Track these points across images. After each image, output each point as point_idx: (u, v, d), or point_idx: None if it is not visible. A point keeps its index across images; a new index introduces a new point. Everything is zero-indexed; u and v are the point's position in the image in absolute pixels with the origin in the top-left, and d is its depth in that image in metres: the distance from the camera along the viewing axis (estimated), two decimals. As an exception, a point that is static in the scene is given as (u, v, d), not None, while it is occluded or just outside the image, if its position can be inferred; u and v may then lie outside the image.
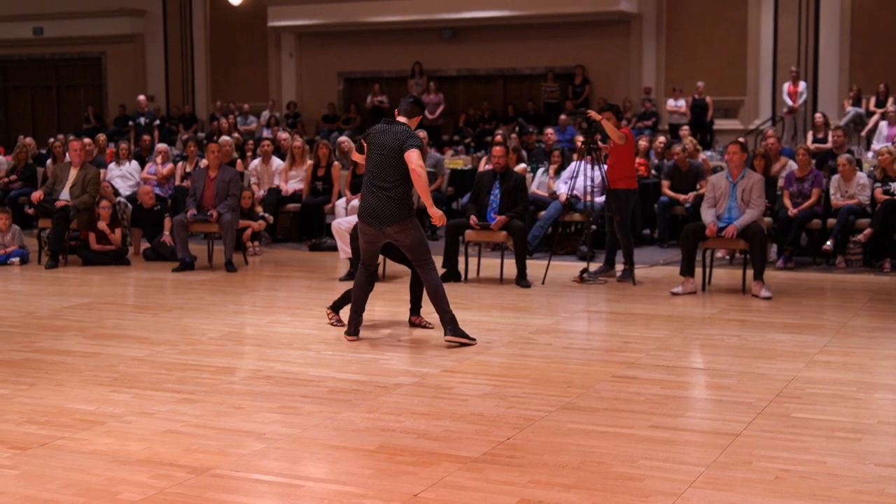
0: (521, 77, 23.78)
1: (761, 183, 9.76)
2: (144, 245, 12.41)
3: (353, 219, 10.62)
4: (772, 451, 5.20)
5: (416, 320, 8.25)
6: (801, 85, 20.55)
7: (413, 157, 7.42)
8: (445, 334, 7.61)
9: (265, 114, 23.46)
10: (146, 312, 9.04)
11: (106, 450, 5.29)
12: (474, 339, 7.65)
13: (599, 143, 10.55)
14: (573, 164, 11.46)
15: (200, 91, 26.04)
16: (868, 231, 10.97)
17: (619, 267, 10.66)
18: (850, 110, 19.73)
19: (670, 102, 21.28)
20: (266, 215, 13.10)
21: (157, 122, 21.85)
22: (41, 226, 11.97)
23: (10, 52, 27.47)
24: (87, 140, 15.16)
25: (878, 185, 11.47)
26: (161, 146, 14.93)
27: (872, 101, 19.71)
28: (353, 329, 7.80)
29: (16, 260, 11.76)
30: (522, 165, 13.39)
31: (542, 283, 10.38)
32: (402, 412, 5.95)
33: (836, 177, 11.64)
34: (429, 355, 7.41)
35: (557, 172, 12.79)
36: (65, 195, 11.76)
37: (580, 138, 11.43)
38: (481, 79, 24.13)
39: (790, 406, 6.03)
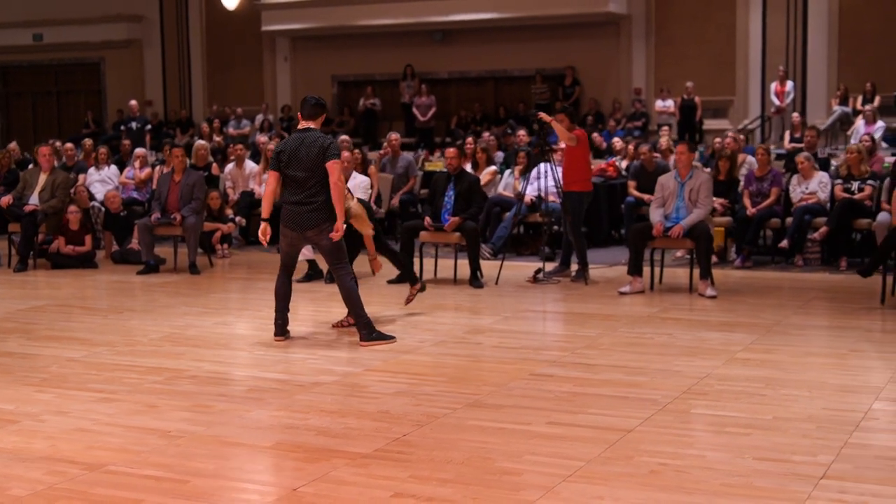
0: (511, 79, 23.90)
1: (709, 183, 9.85)
2: (115, 248, 12.57)
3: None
4: (657, 447, 5.30)
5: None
6: (789, 84, 20.60)
7: (335, 170, 7.56)
8: (360, 340, 7.73)
9: (259, 117, 23.63)
10: (97, 315, 9.21)
11: (11, 448, 5.43)
12: (393, 337, 7.83)
13: (552, 144, 10.65)
14: (540, 166, 11.55)
15: (197, 95, 26.27)
16: (823, 230, 11.03)
17: (575, 267, 10.74)
18: (837, 109, 19.78)
19: (658, 103, 21.36)
20: (238, 218, 13.25)
21: (150, 126, 22.04)
22: (10, 230, 12.14)
23: (10, 59, 27.76)
24: (69, 145, 15.38)
25: (840, 182, 11.52)
26: (139, 150, 15.12)
27: (860, 99, 19.73)
28: (280, 330, 7.93)
29: (-15, 264, 11.95)
30: (493, 168, 13.50)
31: (496, 283, 10.48)
32: (311, 410, 6.07)
33: (795, 175, 11.70)
34: (359, 355, 7.54)
35: (523, 174, 12.89)
36: (34, 200, 11.93)
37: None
38: (472, 81, 24.26)
39: (693, 402, 6.13)
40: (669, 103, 21.09)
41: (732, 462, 5.06)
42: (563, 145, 10.83)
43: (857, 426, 5.60)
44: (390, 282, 10.40)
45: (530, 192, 12.00)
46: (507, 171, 13.29)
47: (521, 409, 6.04)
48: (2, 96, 28.39)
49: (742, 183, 11.86)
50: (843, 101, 19.92)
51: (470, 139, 14.38)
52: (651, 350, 7.55)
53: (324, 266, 10.69)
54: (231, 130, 23.06)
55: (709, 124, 21.45)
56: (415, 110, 22.82)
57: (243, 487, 4.83)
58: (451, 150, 10.71)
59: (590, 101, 22.55)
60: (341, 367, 7.15)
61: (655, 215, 9.85)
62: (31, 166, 15.36)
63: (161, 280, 11.12)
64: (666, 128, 17.88)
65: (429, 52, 23.79)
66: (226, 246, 12.79)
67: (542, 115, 10.44)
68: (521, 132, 15.20)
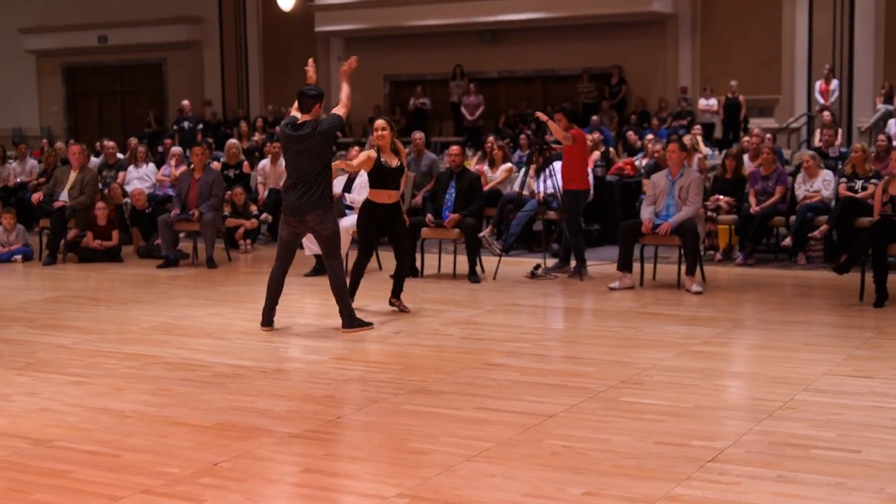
0: (559, 78, 24.10)
1: (699, 181, 10.04)
2: (142, 244, 13.10)
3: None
4: (569, 431, 5.58)
5: (395, 303, 8.97)
6: (834, 83, 20.51)
7: (339, 111, 8.27)
8: (343, 327, 8.11)
9: (315, 117, 24.09)
10: (102, 305, 9.70)
11: (-27, 424, 5.88)
12: (371, 324, 8.23)
13: (553, 144, 10.91)
14: (554, 164, 11.79)
15: (254, 95, 26.86)
16: (824, 227, 11.14)
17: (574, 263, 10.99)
18: (881, 108, 19.67)
19: (702, 102, 21.42)
20: (264, 215, 13.71)
21: (201, 126, 22.65)
22: (42, 226, 12.74)
23: (77, 60, 28.63)
24: (110, 143, 15.99)
25: (844, 180, 11.61)
26: (176, 149, 15.66)
27: (914, 96, 19.61)
28: (267, 320, 8.32)
29: (19, 257, 12.55)
30: (508, 165, 13.77)
31: (494, 278, 10.78)
32: (263, 394, 6.44)
33: (800, 174, 11.81)
34: (331, 344, 7.90)
35: (538, 172, 13.12)
36: (64, 196, 12.51)
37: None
38: (521, 80, 24.51)
39: (625, 391, 6.38)
40: (713, 102, 21.14)
41: (633, 445, 5.32)
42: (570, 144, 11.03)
43: (770, 415, 5.81)
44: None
45: (542, 190, 12.24)
46: (523, 170, 13.54)
47: (458, 396, 6.34)
48: (69, 96, 29.26)
49: (748, 181, 11.98)
50: (888, 100, 19.80)
51: (491, 138, 14.65)
52: (610, 342, 7.79)
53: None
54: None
55: (754, 123, 21.39)
56: (463, 109, 23.14)
57: (168, 462, 5.19)
58: (454, 148, 11.04)
59: (636, 99, 22.67)
60: (309, 356, 7.52)
61: (646, 212, 10.07)
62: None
63: (178, 273, 11.61)
64: (698, 127, 17.95)
65: (478, 51, 24.08)
66: (248, 241, 13.24)
67: (539, 114, 10.72)
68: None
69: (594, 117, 20.76)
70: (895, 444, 5.28)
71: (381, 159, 8.75)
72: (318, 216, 8.09)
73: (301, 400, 6.30)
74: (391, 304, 9.00)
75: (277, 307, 8.44)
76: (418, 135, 14.89)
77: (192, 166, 12.44)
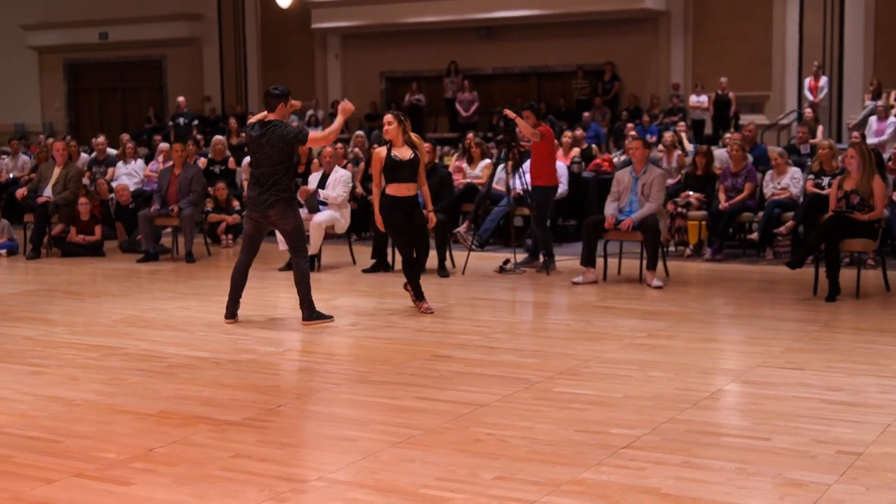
0: (553, 74, 24.28)
1: (662, 178, 10.23)
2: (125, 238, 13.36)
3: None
4: (497, 419, 5.78)
5: (420, 307, 8.92)
6: (823, 80, 20.64)
7: (317, 140, 8.64)
8: (303, 319, 8.33)
9: (309, 112, 24.37)
10: (76, 298, 9.95)
11: (-73, 411, 6.12)
12: (331, 317, 8.44)
13: (519, 141, 11.11)
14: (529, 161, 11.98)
15: (253, 91, 27.06)
16: (790, 223, 11.31)
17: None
18: (869, 104, 19.79)
19: (693, 98, 21.58)
20: (247, 211, 13.92)
21: (196, 122, 22.90)
22: (26, 220, 13.00)
23: (78, 56, 28.90)
24: (100, 139, 16.23)
25: (811, 177, 11.78)
26: (163, 145, 15.90)
27: (893, 95, 19.73)
28: (231, 312, 8.56)
29: (3, 251, 12.81)
30: (487, 162, 13.96)
31: (462, 272, 10.99)
32: (211, 384, 6.66)
33: (770, 171, 11.99)
34: (287, 336, 8.14)
35: (514, 168, 13.31)
36: (48, 192, 12.76)
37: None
38: (515, 76, 24.69)
39: (561, 382, 6.58)
40: (704, 98, 21.30)
41: (553, 433, 5.53)
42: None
43: (693, 404, 6.01)
44: (365, 271, 11.01)
45: (517, 186, 12.42)
46: (500, 166, 13.72)
47: (398, 386, 6.56)
48: (70, 92, 29.54)
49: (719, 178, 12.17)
50: (877, 96, 19.92)
51: (470, 134, 14.85)
52: (558, 335, 8.01)
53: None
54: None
55: (745, 119, 21.55)
56: (458, 106, 23.34)
57: (106, 448, 5.42)
58: (426, 145, 11.21)
59: (629, 96, 22.83)
60: (264, 347, 7.73)
61: (609, 208, 10.27)
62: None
63: (157, 268, 11.86)
64: (682, 124, 18.12)
65: (473, 48, 24.28)
66: (230, 236, 13.47)
67: (508, 111, 10.91)
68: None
69: (586, 114, 20.93)
70: (805, 433, 5.46)
71: (392, 153, 8.89)
72: (279, 212, 8.33)
73: (246, 389, 6.52)
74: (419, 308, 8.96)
75: (244, 300, 8.65)
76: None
77: (172, 162, 12.66)
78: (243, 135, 17.46)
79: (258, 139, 8.31)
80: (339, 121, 8.59)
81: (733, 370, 6.79)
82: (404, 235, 8.93)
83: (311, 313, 8.42)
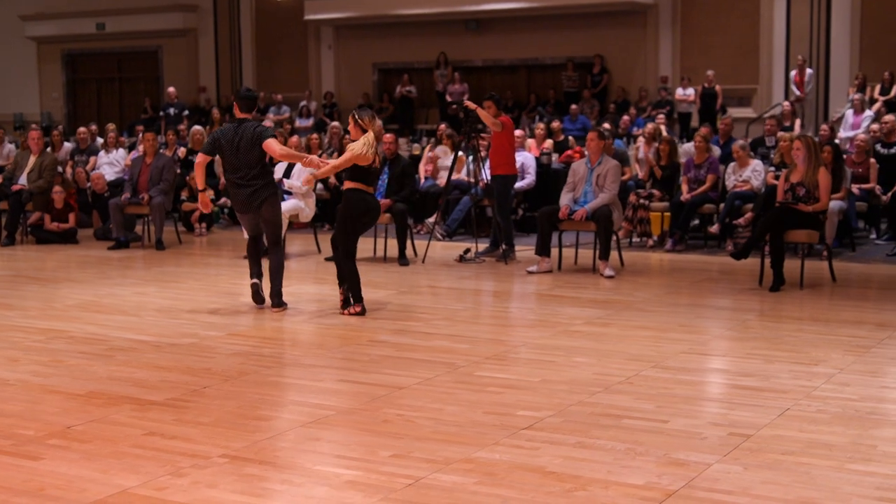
0: (543, 67, 24.41)
1: (616, 169, 10.38)
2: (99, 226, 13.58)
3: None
4: (411, 401, 5.95)
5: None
6: (808, 73, 20.73)
7: (274, 146, 8.46)
8: (273, 306, 8.60)
9: (302, 103, 24.57)
10: (38, 284, 10.16)
11: None
12: (286, 304, 8.69)
13: (479, 132, 11.27)
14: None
15: (247, 82, 27.21)
16: (749, 215, 11.45)
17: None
18: (852, 97, 19.86)
19: (679, 91, 21.70)
20: (223, 199, 14.13)
21: (186, 112, 23.10)
22: (0, 208, 13.22)
23: (76, 47, 29.15)
24: (81, 129, 16.43)
25: (773, 169, 11.91)
26: (146, 135, 16.04)
27: (877, 89, 19.83)
28: (256, 272, 8.81)
29: (-22, 239, 13.05)
30: (461, 154, 14.10)
31: (423, 261, 11.16)
32: (146, 366, 6.85)
33: (732, 163, 12.12)
34: (233, 321, 8.30)
35: (484, 160, 13.48)
36: (23, 180, 12.97)
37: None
38: (505, 69, 24.83)
39: (485, 366, 6.75)
40: (690, 92, 21.41)
41: (462, 414, 5.69)
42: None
43: (606, 388, 6.17)
44: (328, 259, 11.19)
45: (486, 177, 12.58)
46: (470, 157, 13.88)
47: (326, 369, 6.74)
48: (69, 82, 29.77)
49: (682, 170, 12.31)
50: (861, 90, 20.00)
51: (443, 125, 15.01)
52: (497, 322, 8.18)
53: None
54: (271, 116, 24.01)
55: (733, 112, 21.64)
56: (448, 98, 23.47)
57: (27, 425, 5.60)
58: (388, 136, 11.42)
59: (617, 89, 22.96)
60: (207, 332, 7.92)
61: (564, 199, 10.43)
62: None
63: (127, 255, 12.07)
64: (661, 116, 18.23)
65: (463, 40, 24.43)
66: (203, 225, 13.66)
67: (468, 102, 11.08)
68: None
69: (574, 106, 21.06)
70: (703, 416, 5.62)
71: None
72: (269, 207, 8.56)
73: (179, 371, 6.70)
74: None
75: (202, 286, 8.86)
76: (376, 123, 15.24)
77: (144, 152, 12.85)
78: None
79: (235, 141, 8.44)
80: (304, 161, 8.74)
81: (655, 356, 6.93)
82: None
83: (279, 302, 8.61)
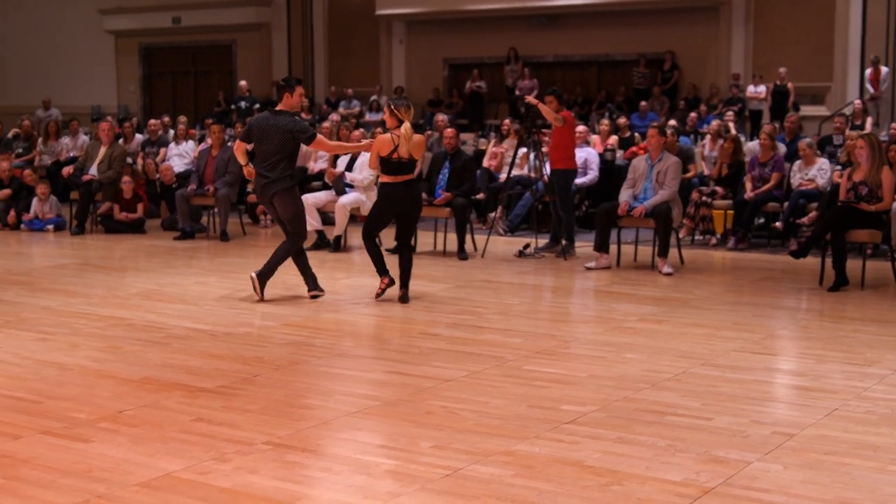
0: (613, 63, 24.29)
1: (676, 166, 10.32)
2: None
3: (322, 195, 11.73)
4: (457, 394, 5.99)
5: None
6: (884, 71, 20.41)
7: (324, 142, 8.80)
8: (251, 275, 8.78)
9: (373, 98, 24.73)
10: (102, 272, 10.36)
11: (-70, 371, 6.51)
12: (261, 289, 8.78)
13: (541, 128, 11.26)
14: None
15: (319, 76, 27.49)
16: (813, 214, 11.31)
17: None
18: (927, 95, 19.54)
19: (750, 89, 21.46)
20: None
21: (258, 105, 23.35)
22: (72, 198, 13.51)
23: (153, 41, 29.60)
24: (153, 121, 16.72)
25: (839, 168, 11.76)
26: (213, 127, 16.26)
27: (954, 86, 19.47)
28: (313, 285, 8.99)
29: (51, 227, 13.32)
30: (524, 150, 14.09)
31: (482, 256, 11.19)
32: (201, 354, 6.97)
33: (798, 161, 11.99)
34: (289, 312, 8.40)
35: (546, 155, 13.45)
36: (93, 171, 13.24)
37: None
38: (575, 65, 24.75)
39: (533, 361, 6.77)
40: (761, 89, 21.17)
41: (505, 408, 5.72)
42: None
43: (653, 385, 6.15)
44: (388, 251, 11.26)
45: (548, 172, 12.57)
46: (533, 153, 13.87)
47: (375, 360, 6.81)
48: (145, 76, 30.23)
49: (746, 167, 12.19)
50: (937, 88, 19.66)
51: (507, 120, 15.02)
52: (550, 317, 8.19)
53: (330, 235, 11.63)
54: (342, 110, 24.20)
55: (805, 110, 21.40)
56: (517, 93, 23.44)
57: (80, 409, 5.73)
58: (448, 131, 11.48)
59: (688, 85, 22.78)
60: (263, 322, 8.03)
61: (623, 195, 10.39)
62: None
63: (190, 245, 12.27)
64: (730, 114, 18.06)
65: (535, 35, 24.39)
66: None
67: (529, 98, 11.09)
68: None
69: (643, 103, 20.96)
70: (748, 414, 5.58)
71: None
72: (279, 199, 8.63)
73: (231, 360, 6.81)
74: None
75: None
76: (441, 117, 15.39)
77: (210, 144, 13.04)
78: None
79: (265, 128, 8.57)
80: (359, 146, 8.97)
81: (706, 354, 6.90)
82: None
83: (262, 283, 8.73)
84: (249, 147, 8.79)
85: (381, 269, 8.74)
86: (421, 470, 4.72)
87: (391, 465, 4.79)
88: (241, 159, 8.88)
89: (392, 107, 8.57)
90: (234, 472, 4.72)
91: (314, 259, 10.86)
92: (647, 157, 10.45)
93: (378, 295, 8.75)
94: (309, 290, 8.84)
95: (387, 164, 8.52)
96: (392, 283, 8.71)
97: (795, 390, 6.05)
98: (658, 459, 4.86)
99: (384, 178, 8.68)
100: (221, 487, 4.53)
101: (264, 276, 8.73)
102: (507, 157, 14.37)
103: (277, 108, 8.68)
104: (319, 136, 8.74)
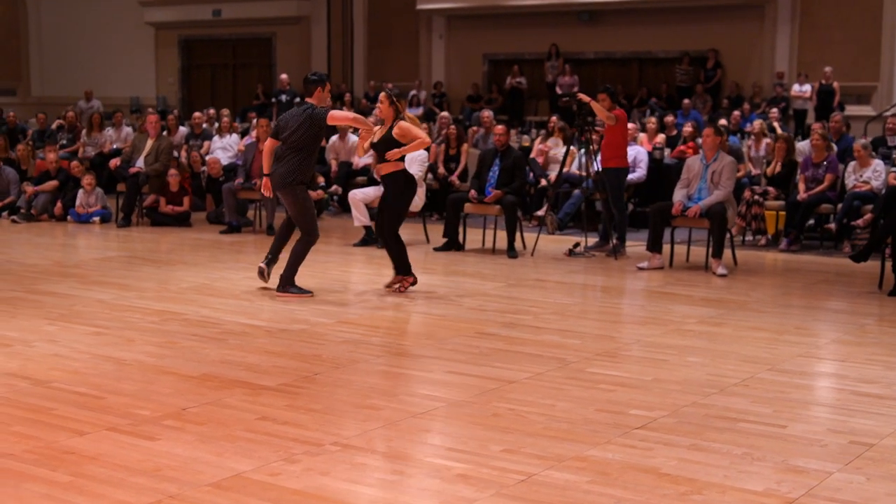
0: (656, 60, 24.12)
1: (732, 166, 10.19)
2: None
3: (370, 190, 11.66)
4: (522, 396, 5.90)
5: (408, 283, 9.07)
6: (933, 72, 20.17)
7: (337, 114, 8.71)
8: (276, 290, 8.73)
9: (412, 93, 24.65)
10: (152, 265, 10.34)
11: (-12, 365, 6.48)
12: (310, 292, 8.77)
13: (594, 125, 11.16)
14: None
15: (358, 70, 27.46)
16: (868, 216, 11.16)
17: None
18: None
19: (795, 87, 21.24)
20: (334, 187, 14.26)
21: (298, 99, 23.26)
22: (119, 190, 13.51)
23: (193, 33, 29.63)
24: (197, 114, 16.69)
25: (895, 170, 11.60)
26: (260, 121, 16.24)
27: None
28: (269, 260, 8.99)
29: (97, 219, 13.33)
30: (572, 148, 13.99)
31: (531, 254, 11.10)
32: (257, 351, 6.91)
33: (852, 163, 11.83)
34: (343, 309, 8.34)
35: (596, 153, 13.33)
36: (140, 163, 13.23)
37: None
38: (617, 61, 24.60)
39: (595, 363, 6.67)
40: (806, 88, 20.95)
41: (573, 411, 5.63)
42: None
43: (721, 390, 6.05)
44: (436, 249, 11.22)
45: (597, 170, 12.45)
46: (581, 151, 13.76)
47: (435, 360, 6.72)
48: (184, 68, 30.29)
49: (799, 168, 12.04)
50: None
51: (554, 117, 14.91)
52: (608, 318, 8.08)
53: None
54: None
55: (851, 110, 21.16)
56: (558, 90, 23.33)
57: (143, 405, 5.69)
58: (499, 128, 11.38)
59: (731, 84, 22.59)
60: (317, 318, 7.96)
61: (678, 195, 10.27)
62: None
63: (237, 239, 12.23)
64: (774, 112, 17.87)
65: (576, 32, 24.26)
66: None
67: (581, 95, 10.98)
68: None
69: (686, 101, 20.79)
70: (822, 422, 5.47)
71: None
72: (284, 194, 8.62)
73: (289, 357, 6.75)
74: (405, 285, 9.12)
75: (314, 273, 9.07)
76: (486, 113, 15.30)
77: (257, 137, 13.00)
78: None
79: (288, 119, 8.53)
80: (364, 128, 8.87)
81: (771, 359, 6.78)
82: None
83: (284, 286, 8.72)
84: (278, 144, 8.76)
85: (408, 266, 8.90)
86: (494, 475, 4.64)
87: (463, 469, 4.71)
88: (267, 164, 8.81)
89: (393, 97, 8.76)
90: (304, 473, 4.65)
91: (362, 255, 10.87)
92: (701, 157, 10.32)
93: (397, 289, 8.89)
94: (263, 264, 8.89)
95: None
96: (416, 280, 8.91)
97: (868, 398, 5.92)
98: (735, 468, 4.76)
99: (402, 166, 8.88)
100: (293, 489, 4.46)
101: (285, 279, 8.67)
102: (551, 155, 14.26)
103: (306, 101, 8.64)
104: (333, 111, 8.71)
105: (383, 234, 8.93)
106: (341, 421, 5.45)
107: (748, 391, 6.06)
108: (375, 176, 11.61)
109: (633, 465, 4.78)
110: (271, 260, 8.92)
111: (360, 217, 11.34)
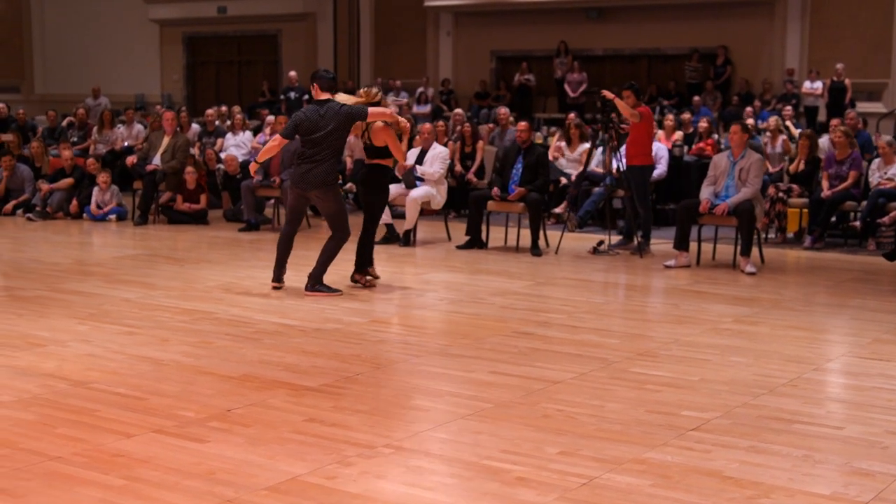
0: (665, 57, 24.02)
1: (759, 164, 10.11)
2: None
3: (392, 189, 11.55)
4: (569, 397, 5.82)
5: (357, 278, 9.10)
6: (946, 68, 20.10)
7: (375, 112, 8.59)
8: (305, 289, 8.66)
9: (420, 90, 24.57)
10: (175, 264, 10.24)
11: (24, 365, 6.39)
12: (339, 291, 8.75)
13: (619, 123, 11.07)
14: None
15: (365, 67, 27.34)
16: (893, 214, 11.09)
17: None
18: None
19: (806, 84, 21.16)
20: (349, 185, 14.15)
21: (306, 96, 23.21)
22: (135, 187, 13.41)
23: (198, 30, 29.51)
24: (210, 111, 16.58)
25: (919, 168, 11.54)
26: (271, 118, 16.18)
27: None
28: (277, 277, 8.92)
29: (113, 217, 13.24)
30: (586, 146, 13.91)
31: (556, 252, 11.01)
32: (295, 351, 6.83)
33: (877, 160, 11.75)
34: (375, 308, 8.27)
35: (615, 150, 13.26)
36: (156, 160, 13.13)
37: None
38: (626, 58, 24.49)
39: (638, 363, 6.59)
40: (818, 85, 20.88)
41: (624, 412, 5.55)
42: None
43: (770, 391, 5.97)
44: (459, 247, 11.13)
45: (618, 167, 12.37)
46: (600, 149, 13.67)
47: (475, 360, 6.64)
48: (189, 65, 30.16)
49: (822, 165, 11.97)
50: None
51: (571, 115, 14.83)
52: (643, 317, 8.00)
53: (400, 229, 11.48)
54: (389, 102, 24.01)
55: (862, 107, 21.09)
56: (566, 86, 23.27)
57: (187, 406, 5.60)
58: (522, 124, 11.28)
59: (741, 80, 22.50)
60: (351, 318, 7.88)
61: (704, 192, 10.19)
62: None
63: (256, 237, 12.14)
64: (788, 108, 17.80)
65: (584, 29, 24.16)
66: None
67: (606, 92, 10.89)
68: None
69: (696, 97, 20.71)
70: (879, 423, 5.39)
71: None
72: (321, 193, 8.53)
73: (328, 357, 6.67)
74: (353, 279, 9.19)
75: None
76: (503, 110, 15.21)
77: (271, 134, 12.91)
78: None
79: (315, 120, 8.43)
80: (398, 117, 8.96)
81: (815, 359, 6.71)
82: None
83: (313, 285, 8.67)
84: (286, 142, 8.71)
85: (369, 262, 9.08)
86: (554, 478, 4.56)
87: (522, 472, 4.64)
88: (263, 157, 8.86)
89: (374, 91, 8.86)
90: (361, 476, 4.57)
91: (384, 252, 10.77)
92: (728, 154, 10.25)
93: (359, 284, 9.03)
94: (275, 282, 8.90)
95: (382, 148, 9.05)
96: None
97: (920, 398, 5.84)
98: (799, 471, 4.69)
99: (384, 162, 9.16)
100: (353, 493, 4.38)
101: (313, 283, 8.59)
102: (567, 154, 14.18)
103: (329, 98, 8.53)
104: (370, 107, 8.62)
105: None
106: (389, 422, 5.38)
107: (798, 391, 5.98)
108: (397, 173, 11.56)
109: (693, 468, 4.70)
110: (280, 274, 8.83)
111: (383, 215, 11.21)
